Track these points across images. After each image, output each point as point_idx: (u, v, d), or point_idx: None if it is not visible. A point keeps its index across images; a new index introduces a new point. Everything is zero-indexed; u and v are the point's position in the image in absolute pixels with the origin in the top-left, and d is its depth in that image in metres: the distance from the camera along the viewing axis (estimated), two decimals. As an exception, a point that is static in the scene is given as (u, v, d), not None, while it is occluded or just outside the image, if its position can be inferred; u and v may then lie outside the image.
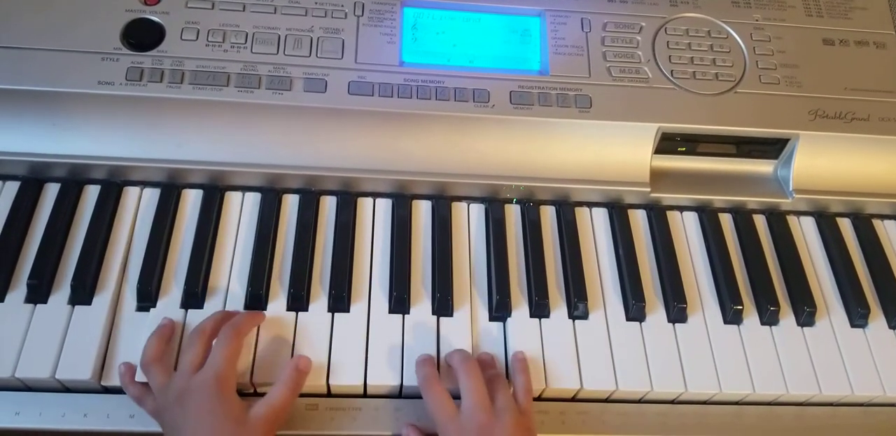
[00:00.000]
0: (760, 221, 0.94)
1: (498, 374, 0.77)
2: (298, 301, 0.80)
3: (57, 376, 0.73)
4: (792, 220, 0.94)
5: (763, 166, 0.95)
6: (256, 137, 0.86)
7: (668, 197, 0.92)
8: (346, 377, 0.77)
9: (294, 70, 0.86)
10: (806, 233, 0.94)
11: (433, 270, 0.84)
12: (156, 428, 0.72)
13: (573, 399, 0.81)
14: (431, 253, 0.86)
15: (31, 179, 0.86)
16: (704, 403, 0.82)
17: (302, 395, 0.75)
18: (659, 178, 0.91)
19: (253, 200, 0.88)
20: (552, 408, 0.79)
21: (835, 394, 0.82)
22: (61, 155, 0.84)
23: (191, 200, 0.87)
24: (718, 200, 0.93)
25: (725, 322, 0.85)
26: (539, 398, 0.79)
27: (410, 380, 0.77)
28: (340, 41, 0.88)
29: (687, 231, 0.92)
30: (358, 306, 0.81)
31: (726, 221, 0.93)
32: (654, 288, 0.87)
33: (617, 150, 0.90)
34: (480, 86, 0.88)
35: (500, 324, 0.82)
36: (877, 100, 0.93)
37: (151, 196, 0.87)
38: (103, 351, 0.76)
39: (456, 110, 0.86)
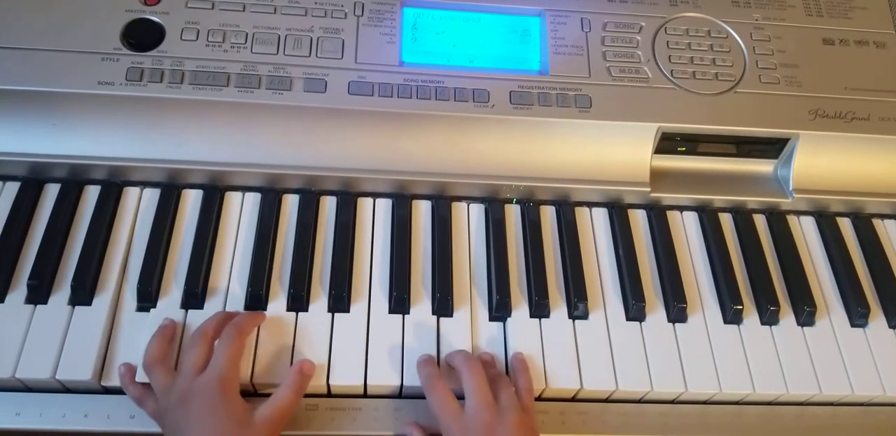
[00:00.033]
0: (760, 221, 0.94)
1: (500, 373, 0.77)
2: (298, 301, 0.80)
3: (57, 377, 0.74)
4: (792, 219, 0.94)
5: (763, 166, 0.95)
6: (256, 137, 0.86)
7: (668, 197, 0.92)
8: (347, 377, 0.77)
9: (294, 70, 0.86)
10: (806, 232, 0.94)
11: (433, 270, 0.84)
12: (156, 429, 0.72)
13: (573, 399, 0.81)
14: (431, 253, 0.86)
15: (32, 180, 0.86)
16: (705, 403, 0.82)
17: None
18: (659, 178, 0.91)
19: (253, 200, 0.88)
20: (552, 408, 0.79)
21: (835, 394, 0.82)
22: (61, 155, 0.84)
23: (191, 201, 0.87)
24: (718, 199, 0.93)
25: (725, 322, 0.85)
26: (539, 398, 0.79)
27: (410, 380, 0.77)
28: (340, 41, 0.88)
29: (687, 231, 0.92)
30: (358, 306, 0.81)
31: (726, 220, 0.93)
32: (654, 288, 0.87)
33: (617, 150, 0.90)
34: (480, 86, 0.88)
35: (500, 324, 0.82)
36: (877, 99, 0.93)
37: (151, 196, 0.87)
38: (103, 352, 0.76)
39: (456, 110, 0.86)
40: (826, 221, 0.94)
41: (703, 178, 0.94)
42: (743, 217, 0.93)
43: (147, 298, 0.79)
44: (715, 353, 0.82)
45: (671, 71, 0.91)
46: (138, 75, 0.83)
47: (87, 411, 0.74)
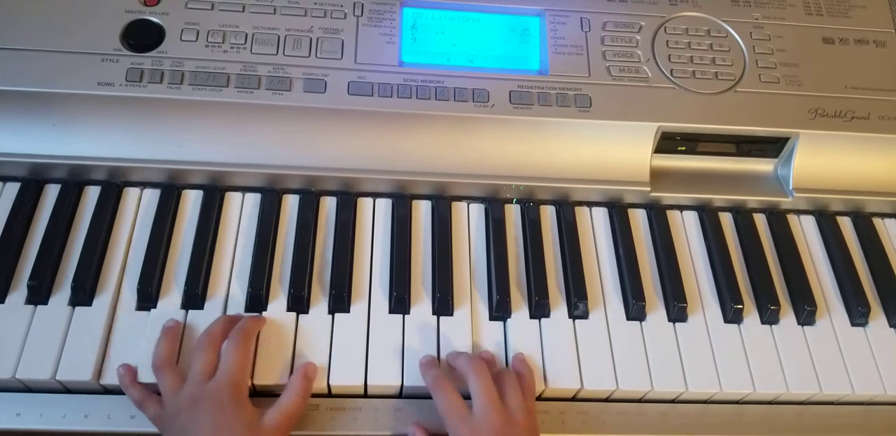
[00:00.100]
0: (761, 220, 0.94)
1: (504, 371, 0.76)
2: (299, 302, 0.80)
3: (57, 377, 0.74)
4: (792, 218, 0.94)
5: (763, 165, 0.95)
6: (256, 138, 0.86)
7: (668, 196, 0.92)
8: (347, 378, 0.77)
9: (294, 70, 0.86)
10: (806, 232, 0.94)
11: (433, 269, 0.84)
12: (153, 429, 0.72)
13: (573, 399, 0.81)
14: (431, 253, 0.86)
15: (32, 181, 0.86)
16: (705, 402, 0.82)
17: (303, 395, 0.75)
18: (659, 177, 0.91)
19: (253, 200, 0.88)
20: (552, 408, 0.79)
21: (835, 393, 0.82)
22: (61, 156, 0.84)
23: (191, 201, 0.87)
24: (718, 199, 0.93)
25: (726, 321, 0.85)
26: (539, 398, 0.79)
27: (411, 380, 0.77)
28: (340, 41, 0.88)
29: (687, 230, 0.92)
30: (358, 307, 0.81)
31: (726, 220, 0.93)
32: (654, 287, 0.87)
33: (617, 149, 0.90)
34: (480, 86, 0.88)
35: (501, 324, 0.82)
36: (877, 98, 0.93)
37: (152, 197, 0.87)
38: (103, 352, 0.76)
39: (455, 110, 0.86)
40: (826, 221, 0.94)
41: (703, 177, 0.94)
42: (743, 216, 0.93)
43: (147, 298, 0.79)
44: (715, 352, 0.82)
45: (671, 70, 0.91)
46: (138, 76, 0.83)
47: (87, 412, 0.74)
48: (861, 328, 0.86)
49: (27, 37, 0.84)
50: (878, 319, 0.87)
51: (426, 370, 0.76)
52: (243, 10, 0.88)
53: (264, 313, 0.80)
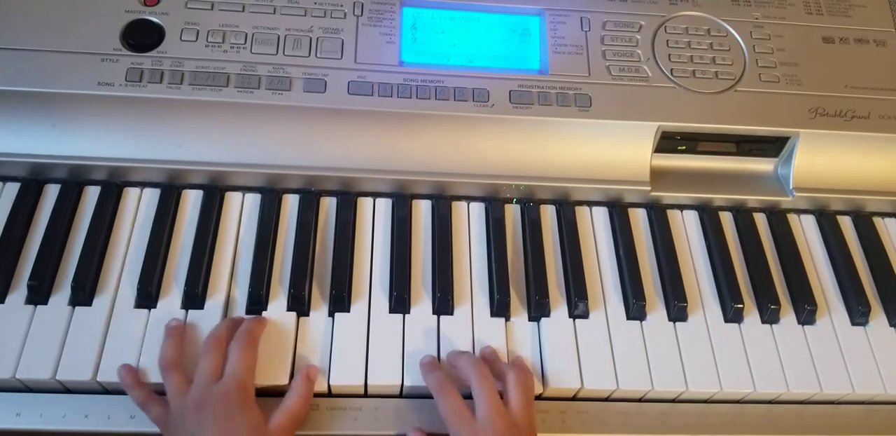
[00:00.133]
0: (761, 220, 0.94)
1: (505, 372, 0.76)
2: (299, 301, 0.80)
3: (58, 377, 0.74)
4: (792, 218, 0.94)
5: (763, 165, 0.95)
6: (256, 138, 0.86)
7: (668, 196, 0.92)
8: (347, 377, 0.77)
9: (293, 70, 0.86)
10: (806, 231, 0.94)
11: (433, 269, 0.84)
12: (154, 429, 0.72)
13: (574, 398, 0.81)
14: (431, 253, 0.86)
15: (31, 181, 0.86)
16: (705, 401, 0.82)
17: (303, 395, 0.75)
18: (659, 176, 0.91)
19: (253, 200, 0.88)
20: (553, 407, 0.79)
21: (836, 392, 0.82)
22: (61, 156, 0.84)
23: (191, 201, 0.87)
24: (719, 198, 0.93)
25: (726, 321, 0.85)
26: (539, 397, 0.79)
27: (411, 380, 0.77)
28: (340, 41, 0.88)
29: (687, 230, 0.92)
30: (358, 306, 0.81)
31: (727, 219, 0.93)
32: (654, 287, 0.87)
33: (617, 149, 0.90)
34: (480, 85, 0.88)
35: (501, 323, 0.82)
36: (877, 98, 0.93)
37: (151, 197, 0.87)
38: (103, 352, 0.76)
39: (455, 110, 0.86)
40: (826, 220, 0.94)
41: (703, 176, 0.94)
42: (743, 216, 0.93)
43: (147, 298, 0.79)
44: (715, 352, 0.82)
45: (671, 70, 0.91)
46: (138, 76, 0.83)
47: (87, 412, 0.74)
48: (861, 328, 0.86)
49: (27, 37, 0.84)
50: (878, 318, 0.87)
51: (427, 372, 0.76)
52: (243, 10, 0.88)
53: (264, 313, 0.80)
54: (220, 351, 0.73)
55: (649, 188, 0.90)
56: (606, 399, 0.81)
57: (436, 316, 0.82)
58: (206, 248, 0.83)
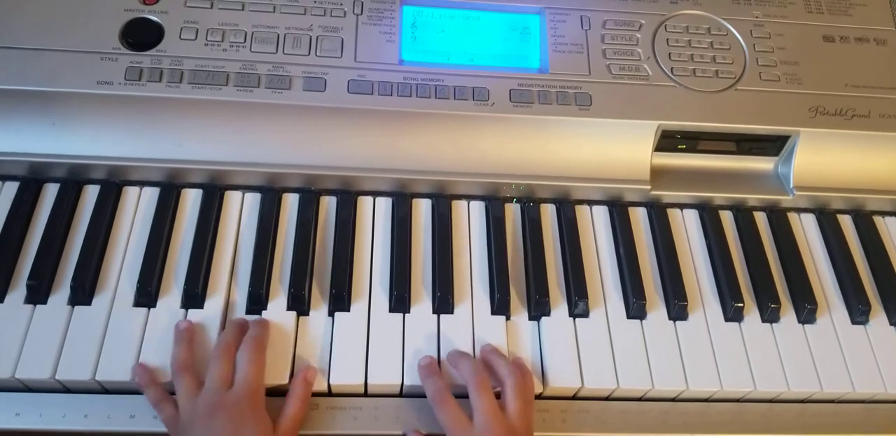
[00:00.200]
0: (761, 219, 0.94)
1: (504, 375, 0.75)
2: (299, 301, 0.80)
3: (57, 377, 0.73)
4: (793, 217, 0.94)
5: (764, 163, 0.95)
6: (256, 137, 0.85)
7: (668, 194, 0.92)
8: (347, 377, 0.76)
9: (293, 69, 0.86)
10: (807, 230, 0.94)
11: (433, 268, 0.84)
12: (156, 429, 0.73)
13: (574, 398, 0.81)
14: (431, 252, 0.86)
15: (31, 180, 0.85)
16: (706, 400, 0.82)
17: (302, 394, 0.75)
18: (659, 175, 0.91)
19: (253, 199, 0.88)
20: (553, 406, 0.79)
21: (836, 391, 0.82)
22: (60, 155, 0.84)
23: (190, 200, 0.87)
24: (719, 197, 0.93)
25: (726, 320, 0.85)
26: (540, 397, 0.79)
27: (411, 379, 0.77)
28: (340, 40, 0.88)
29: (687, 229, 0.92)
30: (358, 305, 0.81)
31: (727, 218, 0.93)
32: (654, 286, 0.87)
33: (617, 147, 0.90)
34: (480, 84, 0.87)
35: (501, 322, 0.82)
36: (877, 96, 0.93)
37: (151, 196, 0.87)
38: (103, 352, 0.76)
39: (455, 109, 0.86)
40: (827, 219, 0.94)
41: (703, 175, 0.94)
42: (743, 215, 0.93)
43: (147, 297, 0.79)
44: (716, 351, 0.82)
45: (671, 69, 0.91)
46: (137, 75, 0.83)
47: (87, 411, 0.74)
48: (861, 326, 0.86)
49: (26, 36, 0.84)
50: (878, 317, 0.87)
51: (426, 377, 0.76)
52: (243, 9, 0.88)
53: (264, 313, 0.80)
54: (229, 357, 0.74)
55: (649, 187, 0.90)
56: (607, 398, 0.81)
57: (436, 315, 0.82)
58: (206, 247, 0.83)
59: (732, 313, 0.85)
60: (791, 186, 0.93)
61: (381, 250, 0.86)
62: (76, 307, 0.78)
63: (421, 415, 0.76)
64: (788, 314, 0.86)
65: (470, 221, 0.89)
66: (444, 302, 0.82)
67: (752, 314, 0.86)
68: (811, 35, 0.96)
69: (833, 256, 0.92)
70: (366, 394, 0.78)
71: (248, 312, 0.80)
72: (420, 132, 0.87)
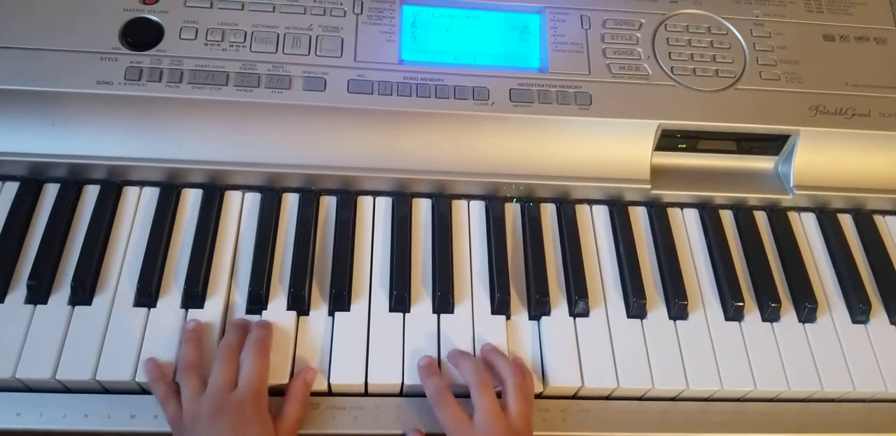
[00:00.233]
0: (761, 218, 0.94)
1: (504, 376, 0.75)
2: (299, 301, 0.80)
3: (57, 377, 0.73)
4: (793, 216, 0.94)
5: (764, 163, 0.95)
6: (256, 136, 0.85)
7: (668, 194, 0.92)
8: (347, 376, 0.76)
9: (293, 69, 0.86)
10: (807, 229, 0.94)
11: (433, 268, 0.84)
12: (155, 428, 0.73)
13: (574, 397, 0.81)
14: (432, 251, 0.86)
15: (31, 180, 0.85)
16: (706, 400, 0.82)
17: (303, 394, 0.76)
18: (659, 175, 0.91)
19: (253, 199, 0.88)
20: (553, 406, 0.79)
21: (836, 390, 0.82)
22: (60, 155, 0.84)
23: (190, 200, 0.87)
24: (719, 196, 0.93)
25: (726, 319, 0.85)
26: (540, 396, 0.79)
27: (412, 379, 0.77)
28: (339, 39, 0.88)
29: (688, 228, 0.92)
30: (358, 305, 0.81)
31: (727, 217, 0.93)
32: (654, 285, 0.87)
33: (617, 147, 0.90)
34: (480, 84, 0.87)
35: (501, 322, 0.82)
36: (878, 95, 0.93)
37: (151, 196, 0.87)
38: (103, 351, 0.76)
39: (455, 108, 0.86)
40: (827, 218, 0.94)
41: (703, 175, 0.94)
42: (744, 214, 0.93)
43: (147, 297, 0.79)
44: (716, 350, 0.82)
45: (671, 68, 0.91)
46: (137, 75, 0.83)
47: (87, 411, 0.74)
48: (862, 326, 0.86)
49: (26, 35, 0.84)
50: (878, 316, 0.87)
51: (425, 377, 0.76)
52: (242, 9, 0.88)
53: (264, 312, 0.80)
54: (233, 359, 0.74)
55: (650, 186, 0.90)
56: (607, 398, 0.81)
57: (436, 315, 0.82)
58: (206, 247, 0.83)
59: (733, 313, 0.85)
60: (791, 185, 0.93)
61: (381, 250, 0.86)
62: (76, 307, 0.78)
63: (421, 415, 0.76)
64: (789, 313, 0.86)
65: (470, 220, 0.89)
66: (444, 302, 0.82)
67: (752, 313, 0.86)
68: (811, 34, 0.96)
69: (833, 256, 0.92)
70: (366, 394, 0.78)
71: (249, 311, 0.80)
72: (420, 132, 0.87)
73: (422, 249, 0.86)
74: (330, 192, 0.89)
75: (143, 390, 0.76)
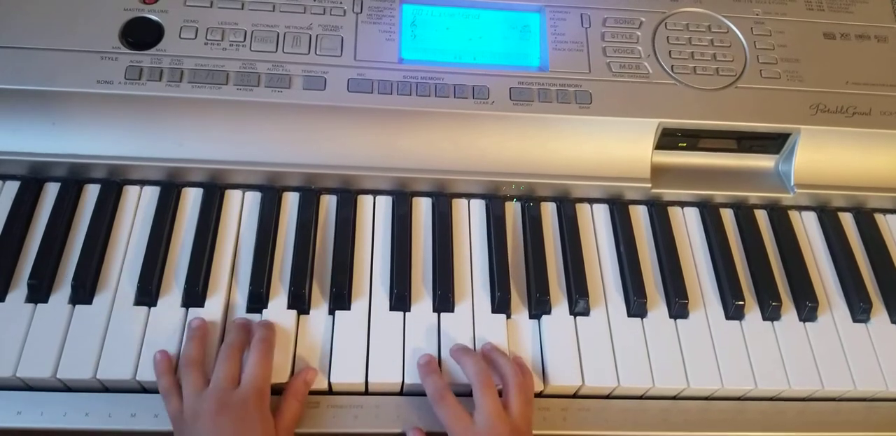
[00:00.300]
0: (762, 217, 0.94)
1: (506, 375, 0.75)
2: (299, 300, 0.80)
3: (58, 376, 0.74)
4: (793, 215, 0.94)
5: (764, 161, 0.95)
6: (256, 136, 0.85)
7: (669, 193, 0.92)
8: (348, 375, 0.76)
9: (293, 68, 0.86)
10: (808, 228, 0.94)
11: (434, 267, 0.84)
12: (155, 427, 0.73)
13: (575, 396, 0.81)
14: (432, 250, 0.86)
15: (31, 179, 0.85)
16: (706, 399, 0.82)
17: (303, 393, 0.76)
18: (660, 173, 0.91)
19: (253, 198, 0.88)
20: (554, 405, 0.79)
21: (837, 389, 0.81)
22: (61, 154, 0.84)
23: (191, 199, 0.87)
24: (720, 195, 0.93)
25: (727, 318, 0.85)
26: (540, 395, 0.79)
27: (412, 378, 0.77)
28: (339, 38, 0.88)
29: (688, 227, 0.92)
30: (359, 304, 0.81)
31: (728, 216, 0.93)
32: (655, 284, 0.86)
33: (617, 145, 0.90)
34: (480, 82, 0.87)
35: (502, 321, 0.82)
36: (878, 94, 0.93)
37: (151, 195, 0.87)
38: (104, 350, 0.76)
39: (455, 107, 0.86)
40: (828, 216, 0.94)
41: (704, 173, 0.94)
42: (744, 213, 0.93)
43: (148, 296, 0.79)
44: (717, 349, 0.82)
45: (672, 66, 0.91)
46: (137, 74, 0.83)
47: (88, 410, 0.74)
48: (863, 324, 0.86)
49: (26, 35, 0.84)
50: (879, 315, 0.87)
51: (425, 375, 0.76)
52: (242, 8, 0.88)
53: (265, 311, 0.80)
54: (236, 358, 0.74)
55: (650, 185, 0.90)
56: (607, 396, 0.81)
57: (436, 314, 0.82)
58: (207, 246, 0.83)
59: (733, 311, 0.85)
60: (792, 183, 0.92)
61: (381, 249, 0.86)
62: (77, 306, 0.78)
63: (422, 413, 0.76)
64: (789, 312, 0.86)
65: (470, 219, 0.89)
66: (444, 300, 0.82)
67: (752, 312, 0.86)
68: (812, 32, 0.95)
69: (834, 254, 0.92)
70: (366, 392, 0.78)
71: (249, 310, 0.80)
72: (420, 131, 0.87)
73: (422, 247, 0.86)
74: (330, 191, 0.89)
75: (143, 389, 0.76)
